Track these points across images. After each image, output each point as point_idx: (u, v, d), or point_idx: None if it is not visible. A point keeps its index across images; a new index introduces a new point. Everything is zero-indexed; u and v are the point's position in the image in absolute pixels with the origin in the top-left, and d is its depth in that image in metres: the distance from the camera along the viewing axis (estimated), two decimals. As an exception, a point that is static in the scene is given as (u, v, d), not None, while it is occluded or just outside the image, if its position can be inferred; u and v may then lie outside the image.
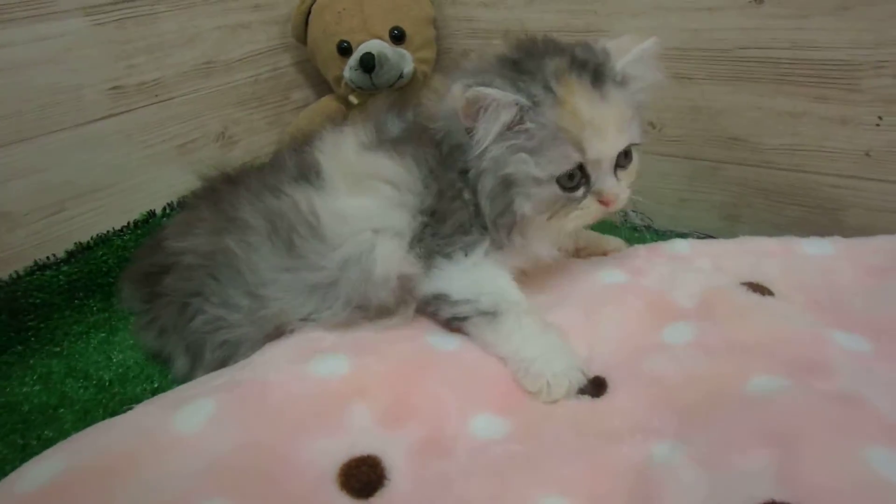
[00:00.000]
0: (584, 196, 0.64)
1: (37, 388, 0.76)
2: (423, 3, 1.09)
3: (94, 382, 0.76)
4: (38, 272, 0.88)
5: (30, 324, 0.85)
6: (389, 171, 0.67)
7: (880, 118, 0.80)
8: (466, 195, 0.67)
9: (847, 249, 0.73)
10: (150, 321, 0.75)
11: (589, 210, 0.65)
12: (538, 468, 0.52)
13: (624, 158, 0.65)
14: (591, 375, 0.62)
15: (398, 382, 0.59)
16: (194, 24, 1.01)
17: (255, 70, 1.12)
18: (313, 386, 0.58)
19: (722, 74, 0.89)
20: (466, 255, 0.67)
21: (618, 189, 0.65)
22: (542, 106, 0.61)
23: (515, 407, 0.59)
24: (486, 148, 0.62)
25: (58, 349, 0.83)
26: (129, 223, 0.98)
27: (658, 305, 0.69)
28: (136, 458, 0.51)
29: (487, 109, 0.61)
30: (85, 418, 0.70)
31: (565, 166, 0.62)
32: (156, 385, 0.74)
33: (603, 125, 0.61)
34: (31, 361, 0.81)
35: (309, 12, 1.08)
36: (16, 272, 0.86)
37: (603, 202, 0.65)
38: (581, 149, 0.61)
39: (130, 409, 0.58)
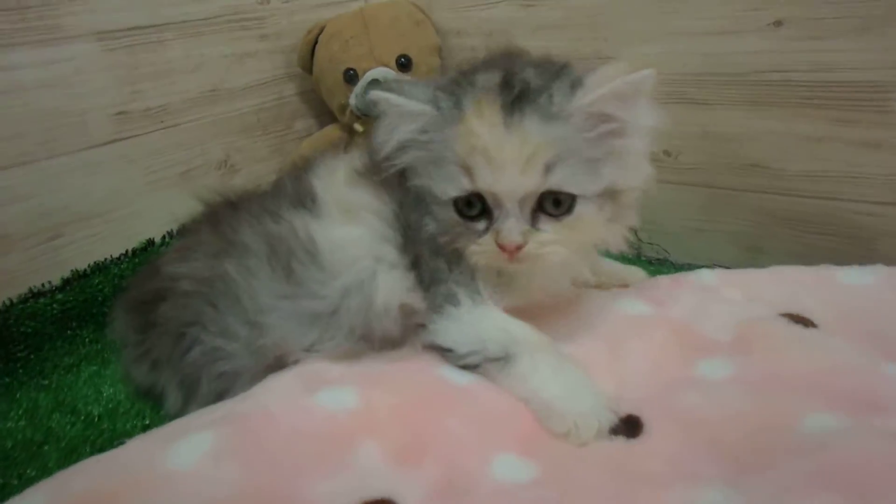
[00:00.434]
0: (485, 231, 0.59)
1: (21, 423, 0.71)
2: (428, 32, 1.09)
3: (83, 418, 0.72)
4: (31, 300, 0.84)
5: (19, 354, 0.81)
6: (370, 201, 0.65)
7: (915, 141, 0.77)
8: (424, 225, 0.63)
9: (888, 279, 0.69)
10: (143, 353, 0.71)
11: (486, 250, 0.59)
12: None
13: (553, 206, 0.58)
14: (623, 414, 0.57)
15: (411, 418, 0.55)
16: (201, 52, 1.00)
17: (260, 98, 1.11)
18: (319, 420, 0.54)
19: (738, 99, 0.87)
20: (456, 306, 0.63)
21: (514, 235, 0.57)
22: (447, 121, 0.58)
23: (540, 448, 0.54)
24: (394, 156, 0.61)
25: (46, 382, 0.80)
26: (127, 251, 0.94)
27: (688, 338, 0.65)
28: (125, 498, 0.47)
29: (388, 115, 0.60)
30: (71, 456, 0.66)
31: (456, 190, 0.58)
32: (147, 421, 0.70)
33: (499, 157, 0.55)
34: (18, 395, 0.77)
35: (316, 42, 1.08)
36: (9, 299, 0.83)
37: (500, 246, 0.58)
38: (471, 176, 0.57)
39: (121, 443, 0.54)
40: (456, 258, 0.63)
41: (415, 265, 0.64)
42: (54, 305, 0.86)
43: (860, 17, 0.75)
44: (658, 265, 0.98)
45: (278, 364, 0.63)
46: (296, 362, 0.63)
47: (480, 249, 0.60)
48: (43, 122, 0.84)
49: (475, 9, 1.10)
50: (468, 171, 0.57)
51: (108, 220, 0.94)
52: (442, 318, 0.63)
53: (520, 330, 0.63)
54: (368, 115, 1.04)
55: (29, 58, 0.82)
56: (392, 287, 0.62)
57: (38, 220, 0.86)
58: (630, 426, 0.56)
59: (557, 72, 0.60)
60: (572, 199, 0.58)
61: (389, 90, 0.61)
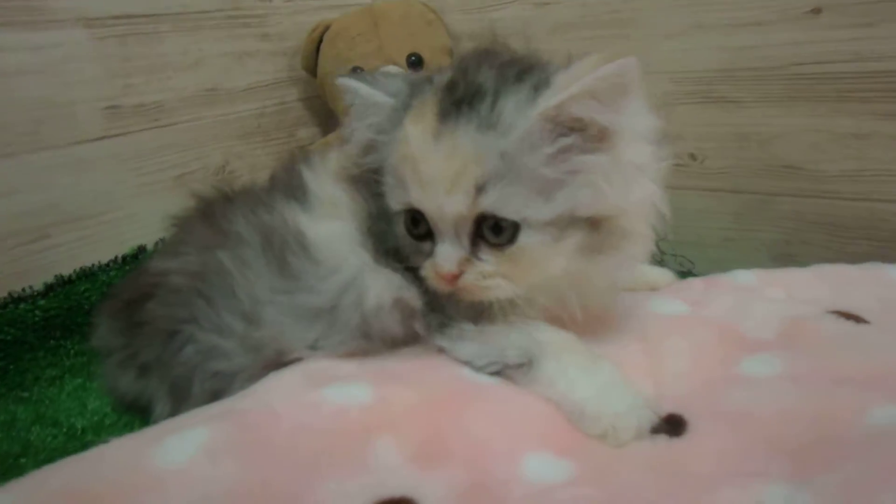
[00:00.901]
0: (430, 255, 0.54)
1: (-3, 434, 0.68)
2: (440, 32, 1.09)
3: (65, 430, 0.69)
4: (11, 305, 0.81)
5: (-3, 363, 0.78)
6: (348, 201, 0.63)
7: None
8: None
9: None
10: (129, 358, 0.67)
11: (429, 274, 0.55)
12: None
13: (492, 233, 0.52)
14: (664, 413, 0.55)
15: (430, 415, 0.52)
16: (199, 48, 0.99)
17: (261, 102, 1.10)
18: (328, 415, 0.51)
19: (773, 95, 0.86)
20: (458, 332, 0.59)
21: (448, 264, 0.52)
22: (398, 122, 0.54)
23: (576, 447, 0.52)
24: (362, 154, 0.58)
25: (26, 394, 0.77)
26: (116, 257, 0.92)
27: (730, 337, 0.63)
28: (108, 498, 0.43)
29: (355, 106, 0.57)
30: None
31: (397, 204, 0.55)
32: None
33: (426, 170, 0.50)
34: (-7, 406, 0.73)
35: (320, 41, 1.06)
36: (-13, 303, 0.79)
37: (436, 273, 0.53)
38: (405, 189, 0.53)
39: (104, 443, 0.50)
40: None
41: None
42: (36, 312, 0.82)
43: None
44: (682, 278, 0.94)
45: (277, 363, 0.60)
46: (297, 360, 0.60)
47: (426, 274, 0.55)
48: (27, 111, 0.82)
49: (487, 10, 1.09)
50: (402, 182, 0.53)
51: (98, 222, 0.91)
52: (448, 339, 0.60)
53: (543, 331, 0.59)
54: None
55: (12, 41, 0.80)
56: (382, 285, 0.59)
57: (21, 219, 0.83)
58: (673, 425, 0.53)
59: (522, 72, 0.53)
60: (515, 226, 0.51)
61: (361, 80, 0.58)
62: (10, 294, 0.81)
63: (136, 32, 0.91)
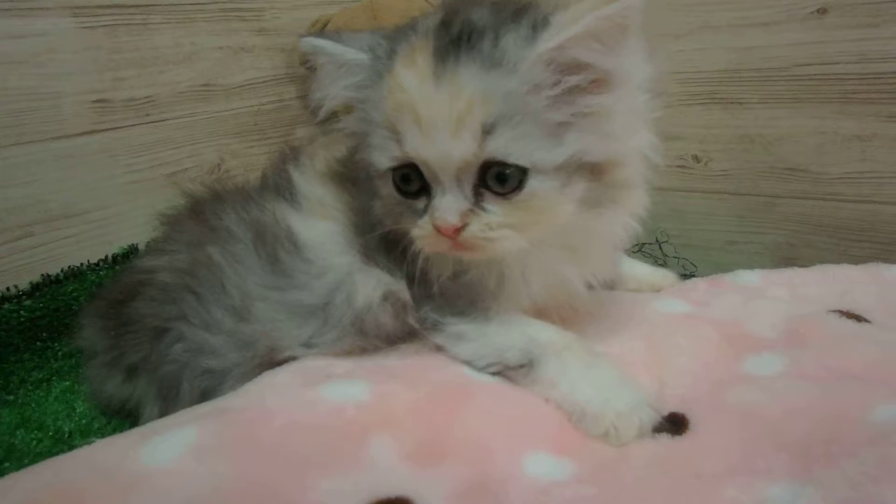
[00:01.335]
0: (425, 211, 0.52)
1: (-22, 438, 0.67)
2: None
3: (51, 434, 0.67)
4: None
5: (-20, 366, 0.77)
6: (334, 201, 0.62)
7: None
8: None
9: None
10: (116, 359, 0.66)
11: (426, 234, 0.51)
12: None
13: (498, 181, 0.49)
14: (666, 412, 0.54)
15: (429, 413, 0.52)
16: (192, 41, 0.98)
17: (258, 99, 1.08)
18: (323, 413, 0.50)
19: (778, 96, 0.86)
20: (458, 315, 0.58)
21: (450, 216, 0.49)
22: (380, 73, 0.51)
23: (577, 446, 0.51)
24: (335, 119, 0.55)
25: (11, 397, 0.75)
26: (106, 257, 0.90)
27: (734, 335, 0.63)
28: (91, 497, 0.42)
29: (324, 67, 0.54)
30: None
31: (388, 160, 0.51)
32: None
33: (427, 115, 0.47)
34: (-23, 409, 0.73)
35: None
36: (-31, 303, 0.78)
37: (437, 229, 0.50)
38: (399, 140, 0.49)
39: (89, 444, 0.49)
40: (443, 281, 0.57)
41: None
42: (21, 313, 0.80)
43: None
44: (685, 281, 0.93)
45: (269, 361, 0.60)
46: (290, 359, 0.60)
47: (420, 233, 0.52)
48: (9, 102, 0.80)
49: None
50: (396, 134, 0.49)
51: (86, 220, 0.90)
52: (447, 339, 0.59)
53: (542, 331, 0.59)
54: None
55: (-6, 28, 0.79)
56: (371, 284, 0.59)
57: (4, 216, 0.82)
58: (675, 424, 0.53)
59: (518, 11, 0.50)
60: (522, 172, 0.48)
61: (328, 38, 0.55)
62: (-7, 293, 0.80)
63: (126, 23, 0.90)
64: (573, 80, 0.47)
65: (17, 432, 0.67)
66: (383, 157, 0.51)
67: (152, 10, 0.91)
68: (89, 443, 0.48)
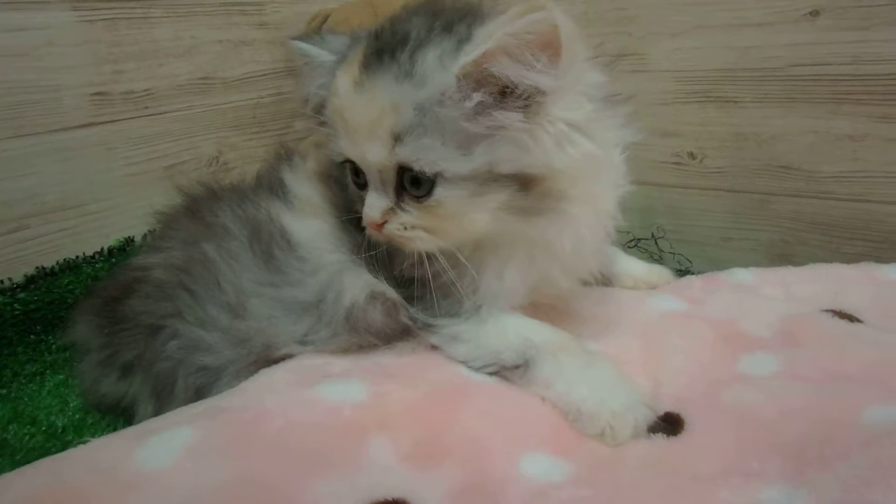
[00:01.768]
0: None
1: (-30, 433, 0.66)
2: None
3: (44, 429, 0.67)
4: None
5: (-28, 359, 0.76)
6: (318, 199, 0.63)
7: (956, 138, 0.75)
8: None
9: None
10: (110, 357, 0.65)
11: (365, 222, 0.55)
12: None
13: (412, 185, 0.51)
14: (661, 412, 0.54)
15: (427, 413, 0.51)
16: (192, 35, 0.96)
17: (257, 92, 1.07)
18: (321, 414, 0.49)
19: (772, 96, 0.85)
20: (451, 316, 0.58)
21: (372, 212, 0.52)
22: (333, 77, 0.54)
23: (574, 447, 0.51)
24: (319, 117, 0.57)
25: (4, 391, 0.74)
26: (102, 249, 0.89)
27: (729, 334, 0.63)
28: (86, 499, 0.41)
29: (305, 67, 0.58)
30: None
31: (337, 154, 0.55)
32: None
33: (350, 119, 0.51)
34: (-31, 403, 0.71)
35: (320, 31, 1.03)
36: (-38, 296, 0.77)
37: (364, 220, 0.54)
38: (337, 140, 0.53)
39: (84, 443, 0.48)
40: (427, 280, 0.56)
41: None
42: (16, 306, 0.80)
43: None
44: (680, 276, 0.93)
45: (265, 358, 0.59)
46: (286, 357, 0.59)
47: (364, 222, 0.55)
48: (8, 95, 0.79)
49: (490, 3, 1.07)
50: (335, 133, 0.53)
51: (83, 213, 0.88)
52: (442, 339, 0.59)
53: (538, 331, 0.59)
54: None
55: (-6, 21, 0.78)
56: (358, 283, 0.59)
57: (1, 209, 0.80)
58: (670, 424, 0.53)
59: (452, 22, 0.50)
60: (431, 179, 0.50)
61: (310, 41, 0.58)
62: (-12, 286, 0.78)
63: (126, 17, 0.88)
64: (488, 93, 0.47)
65: (10, 427, 0.67)
66: (334, 151, 0.55)
67: (153, 3, 0.90)
68: (84, 442, 0.48)
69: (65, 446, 0.62)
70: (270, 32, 1.06)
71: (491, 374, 0.57)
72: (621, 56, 0.94)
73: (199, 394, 0.58)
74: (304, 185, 0.64)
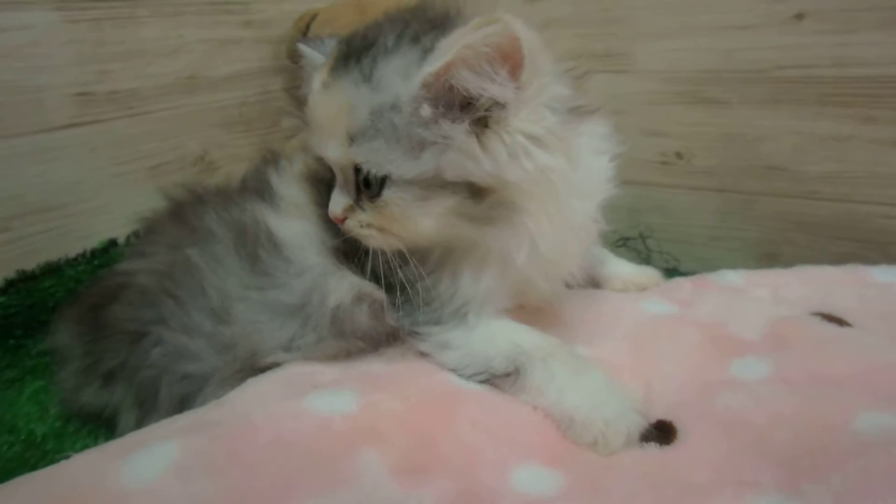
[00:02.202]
0: None
1: (-54, 442, 0.63)
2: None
3: (23, 438, 0.65)
4: None
5: (-51, 363, 0.74)
6: (305, 200, 0.62)
7: (938, 139, 0.76)
8: None
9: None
10: (92, 365, 0.63)
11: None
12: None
13: (364, 184, 0.52)
14: (653, 419, 0.53)
15: (417, 425, 0.50)
16: (179, 34, 0.94)
17: (243, 91, 1.05)
18: (310, 428, 0.48)
19: (758, 97, 0.85)
20: (436, 324, 0.58)
21: (334, 207, 0.54)
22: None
23: (566, 457, 0.50)
24: None
25: None
26: (84, 251, 0.87)
27: (719, 338, 0.62)
28: None
29: (306, 69, 0.59)
30: (5, 480, 0.56)
31: (314, 152, 0.56)
32: (101, 441, 0.62)
33: (317, 118, 0.53)
34: (-56, 410, 0.69)
35: (307, 30, 1.03)
36: (-59, 300, 0.74)
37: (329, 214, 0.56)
38: (312, 137, 0.55)
39: (66, 458, 0.46)
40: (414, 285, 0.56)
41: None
42: None
43: (891, 7, 0.74)
44: (668, 275, 0.94)
45: (251, 366, 0.58)
46: (273, 366, 0.58)
47: None
48: None
49: (470, 5, 1.06)
50: (310, 131, 0.55)
51: (65, 214, 0.86)
52: (431, 346, 0.58)
53: (528, 338, 0.58)
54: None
55: (-22, 22, 0.75)
56: (343, 286, 0.58)
57: None
58: (663, 432, 0.52)
59: (421, 33, 0.50)
60: (381, 180, 0.51)
61: (311, 45, 0.60)
62: (-35, 289, 0.76)
63: (112, 17, 0.86)
64: (440, 105, 0.47)
65: (-13, 435, 0.64)
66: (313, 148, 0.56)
67: (140, 3, 0.88)
68: (66, 456, 0.46)
69: (44, 456, 0.62)
70: (257, 31, 1.05)
71: (481, 381, 0.56)
72: (608, 56, 0.94)
73: (184, 403, 0.57)
74: (291, 187, 0.63)
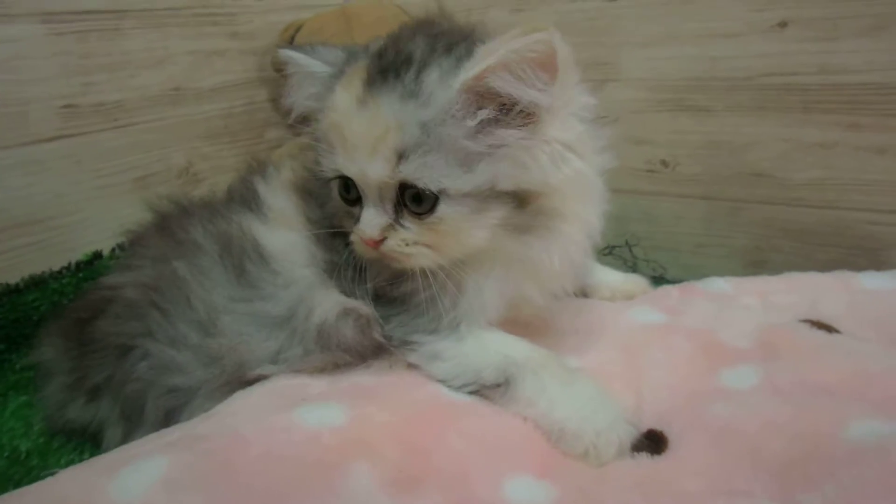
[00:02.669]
0: (358, 220, 0.54)
1: (-74, 458, 0.63)
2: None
3: (7, 454, 0.64)
4: None
5: (-68, 378, 0.73)
6: (293, 211, 0.62)
7: (922, 145, 0.77)
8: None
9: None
10: (78, 381, 0.63)
11: (356, 239, 0.54)
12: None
13: (413, 202, 0.51)
14: (645, 429, 0.54)
15: (408, 437, 0.50)
16: (164, 46, 0.94)
17: (228, 102, 1.05)
18: (300, 441, 0.47)
19: (744, 105, 0.86)
20: (430, 333, 0.58)
21: (370, 229, 0.52)
22: (332, 90, 0.54)
23: (558, 468, 0.50)
24: (303, 126, 0.58)
25: None
26: (69, 264, 0.86)
27: (708, 346, 0.62)
28: None
29: (294, 76, 0.57)
30: (-14, 497, 0.57)
31: (330, 170, 0.54)
32: (86, 456, 0.62)
33: (350, 136, 0.51)
34: (-74, 426, 0.68)
35: (292, 42, 1.03)
36: (-77, 314, 0.74)
37: (360, 237, 0.53)
38: (333, 154, 0.53)
39: (51, 474, 0.46)
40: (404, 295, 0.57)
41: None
42: None
43: (874, 15, 0.75)
44: (655, 283, 0.94)
45: (238, 379, 0.57)
46: (261, 378, 0.57)
47: (354, 238, 0.55)
48: None
49: (460, 14, 1.07)
50: (332, 148, 0.53)
51: (49, 227, 0.85)
52: (421, 357, 0.58)
53: (518, 348, 0.58)
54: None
55: (-38, 35, 0.75)
56: (330, 299, 0.58)
57: None
58: (654, 442, 0.52)
59: (453, 43, 0.51)
60: (435, 196, 0.50)
61: (300, 50, 0.58)
62: (-51, 303, 0.75)
63: (97, 29, 0.86)
64: (488, 113, 0.48)
65: (-31, 451, 0.63)
66: (326, 167, 0.54)
67: (125, 15, 0.88)
68: (52, 473, 0.46)
69: (29, 472, 0.61)
70: (243, 42, 1.04)
71: (471, 392, 0.56)
72: (594, 65, 0.95)
73: (170, 416, 0.56)
74: (279, 197, 0.63)
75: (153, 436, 0.51)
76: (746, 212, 0.90)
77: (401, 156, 0.49)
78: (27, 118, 0.81)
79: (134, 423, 0.58)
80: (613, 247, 1.00)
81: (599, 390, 0.55)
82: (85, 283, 0.84)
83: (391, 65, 0.50)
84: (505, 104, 0.48)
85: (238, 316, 0.57)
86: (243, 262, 0.59)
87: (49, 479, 0.45)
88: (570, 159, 0.52)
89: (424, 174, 0.49)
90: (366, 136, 0.50)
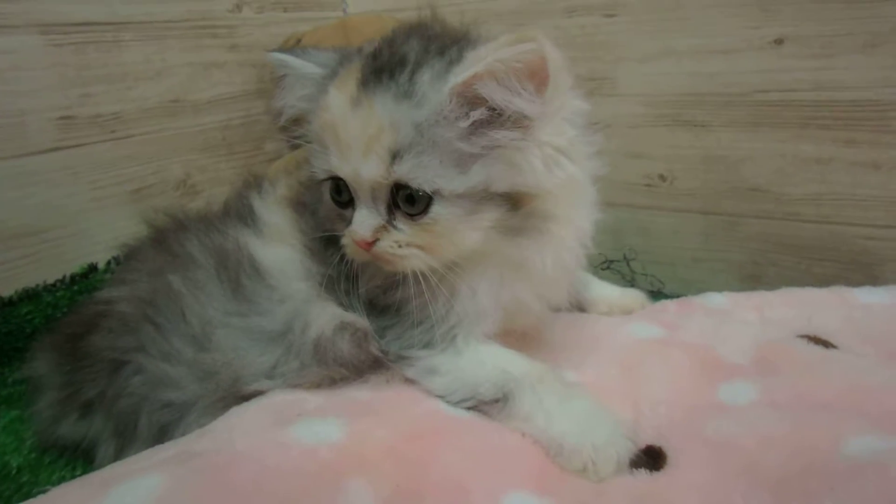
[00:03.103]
0: (350, 222, 0.54)
1: (-85, 474, 0.62)
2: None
3: None
4: None
5: (-77, 392, 0.72)
6: (288, 226, 0.62)
7: (916, 161, 0.77)
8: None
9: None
10: (71, 397, 0.62)
11: (348, 242, 0.54)
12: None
13: (407, 203, 0.51)
14: (643, 444, 0.54)
15: (406, 453, 0.49)
16: (162, 58, 0.95)
17: (226, 114, 1.06)
18: (296, 457, 0.47)
19: (740, 120, 0.87)
20: (425, 347, 0.58)
21: (363, 230, 0.52)
22: (324, 90, 0.54)
23: (556, 484, 0.50)
24: (293, 128, 0.58)
25: None
26: (64, 277, 0.86)
27: (706, 361, 0.62)
28: None
29: (285, 78, 0.57)
30: (-23, 516, 0.57)
31: (322, 171, 0.54)
32: (78, 473, 0.62)
33: (344, 136, 0.51)
34: (-86, 441, 0.67)
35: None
36: (-85, 326, 0.73)
37: (352, 238, 0.53)
38: (326, 155, 0.53)
39: (43, 492, 0.45)
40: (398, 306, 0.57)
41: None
42: None
43: (868, 32, 0.76)
44: (653, 297, 0.95)
45: (234, 394, 0.57)
46: (256, 393, 0.57)
47: (346, 241, 0.55)
48: None
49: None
50: (325, 149, 0.53)
51: (44, 239, 0.85)
52: (418, 372, 0.58)
53: (515, 363, 0.58)
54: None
55: (-40, 46, 0.75)
56: (326, 314, 0.58)
57: None
58: (652, 458, 0.52)
59: (446, 46, 0.52)
60: (428, 196, 0.50)
61: (291, 52, 0.58)
62: (-59, 316, 0.75)
63: (95, 41, 0.87)
64: (480, 114, 0.49)
65: (-41, 468, 0.63)
66: (318, 168, 0.54)
67: (124, 27, 0.89)
68: (43, 490, 0.45)
69: (20, 488, 0.60)
70: (242, 55, 1.05)
71: (469, 408, 0.56)
72: (591, 80, 0.96)
73: (164, 432, 0.56)
74: (274, 212, 0.63)
75: (148, 452, 0.51)
76: (743, 226, 0.91)
77: (395, 156, 0.49)
78: (24, 129, 0.81)
79: (127, 438, 0.58)
80: (611, 261, 1.00)
81: (597, 405, 0.55)
82: (80, 296, 0.84)
83: (386, 65, 0.51)
84: (493, 108, 0.49)
85: (233, 330, 0.57)
86: (239, 276, 0.59)
87: (41, 497, 0.44)
88: (563, 163, 0.52)
89: (418, 174, 0.49)
90: (360, 135, 0.50)
